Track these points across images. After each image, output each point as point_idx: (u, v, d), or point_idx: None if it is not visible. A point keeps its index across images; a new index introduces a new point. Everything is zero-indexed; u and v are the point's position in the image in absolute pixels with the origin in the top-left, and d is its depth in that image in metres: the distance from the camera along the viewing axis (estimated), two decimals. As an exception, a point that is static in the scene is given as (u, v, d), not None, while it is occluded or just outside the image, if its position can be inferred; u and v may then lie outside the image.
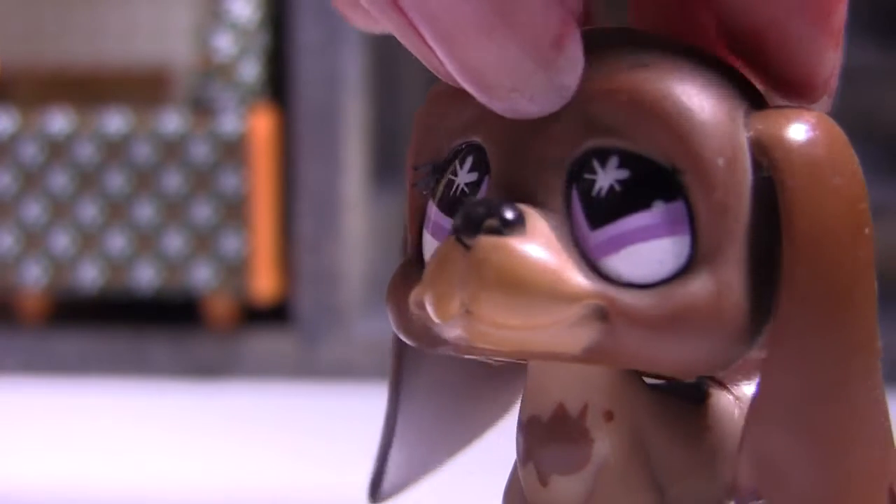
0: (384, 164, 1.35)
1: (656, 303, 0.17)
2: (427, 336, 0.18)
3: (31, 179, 1.22)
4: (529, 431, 0.19)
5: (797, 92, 0.18)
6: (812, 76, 0.17)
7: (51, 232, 1.22)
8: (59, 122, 1.21)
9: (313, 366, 1.19)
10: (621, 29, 0.19)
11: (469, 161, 0.19)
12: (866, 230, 0.17)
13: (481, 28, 0.16)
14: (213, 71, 1.21)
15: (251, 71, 1.21)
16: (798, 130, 0.17)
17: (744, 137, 0.17)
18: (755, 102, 0.17)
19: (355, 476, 0.80)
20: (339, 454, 0.86)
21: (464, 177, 0.19)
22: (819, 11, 0.17)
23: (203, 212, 1.20)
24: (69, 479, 0.80)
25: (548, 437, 0.19)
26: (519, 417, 0.20)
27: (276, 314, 1.24)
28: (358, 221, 1.23)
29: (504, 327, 0.17)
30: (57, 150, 1.21)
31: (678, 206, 0.17)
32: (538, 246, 0.17)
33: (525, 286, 0.17)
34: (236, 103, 1.20)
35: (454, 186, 0.19)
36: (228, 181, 1.19)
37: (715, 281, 0.17)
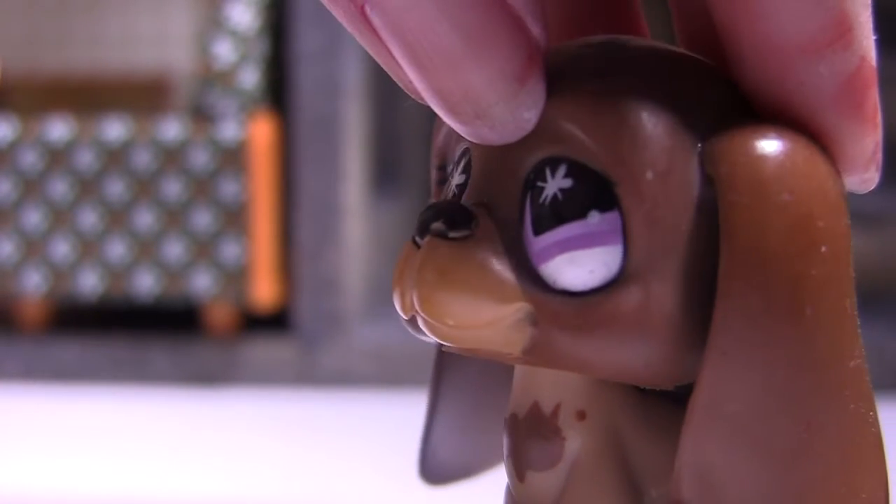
0: (384, 172, 1.35)
1: (582, 311, 0.17)
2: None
3: (31, 187, 1.22)
4: (510, 428, 0.20)
5: (842, 171, 0.18)
6: (854, 158, 0.18)
7: (51, 239, 1.22)
8: (58, 129, 1.21)
9: (313, 373, 1.19)
10: (607, 39, 0.19)
11: (462, 164, 0.19)
12: (822, 248, 0.16)
13: (449, 57, 0.16)
14: (213, 78, 1.21)
15: (251, 78, 1.21)
16: (749, 145, 0.16)
17: (690, 152, 0.17)
18: (726, 118, 0.17)
19: (355, 482, 0.80)
20: (339, 461, 0.86)
21: (456, 179, 0.19)
22: (851, 105, 0.17)
23: (203, 219, 1.20)
24: (69, 486, 0.80)
25: (524, 434, 0.19)
26: (504, 415, 0.20)
27: (275, 321, 1.24)
28: (357, 228, 1.23)
29: (444, 325, 0.17)
30: (57, 157, 1.21)
31: (613, 216, 0.17)
32: (480, 250, 0.17)
33: (460, 287, 0.17)
34: (236, 110, 1.20)
35: (450, 188, 0.19)
36: (228, 188, 1.19)
37: (644, 293, 0.17)
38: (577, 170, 0.17)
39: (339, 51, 1.19)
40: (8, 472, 0.84)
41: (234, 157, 1.19)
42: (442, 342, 0.18)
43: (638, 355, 0.17)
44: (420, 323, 0.18)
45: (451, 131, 0.20)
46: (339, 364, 1.20)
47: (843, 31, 0.16)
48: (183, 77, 1.43)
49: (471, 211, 0.18)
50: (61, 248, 1.22)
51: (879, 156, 0.18)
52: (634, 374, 0.17)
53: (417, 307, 0.18)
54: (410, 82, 0.17)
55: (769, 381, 0.16)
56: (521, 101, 0.17)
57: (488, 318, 0.17)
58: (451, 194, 0.19)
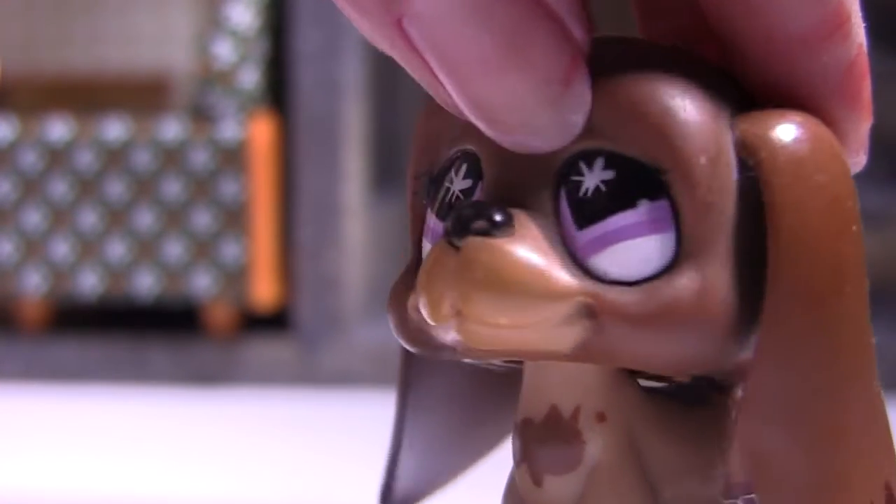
0: (384, 171, 1.35)
1: (642, 299, 0.17)
2: (426, 341, 0.19)
3: (30, 187, 1.22)
4: (523, 433, 0.20)
5: None
6: (850, 143, 0.18)
7: (50, 239, 1.22)
8: (58, 129, 1.21)
9: (313, 373, 1.19)
10: (611, 36, 0.19)
11: (464, 168, 0.19)
12: (853, 227, 0.17)
13: (491, 65, 0.16)
14: (213, 78, 1.21)
15: (251, 78, 1.21)
16: (782, 130, 0.17)
17: (728, 137, 0.17)
18: (742, 105, 0.18)
19: (355, 483, 0.80)
20: (339, 461, 0.86)
21: (458, 184, 0.19)
22: (852, 92, 0.17)
23: (203, 219, 1.20)
24: (69, 485, 0.80)
25: (541, 438, 0.19)
26: (514, 420, 0.20)
27: (275, 321, 1.24)
28: (357, 228, 1.23)
29: (494, 326, 0.17)
30: (57, 157, 1.21)
31: (662, 204, 0.17)
32: (526, 246, 0.17)
33: (513, 285, 0.17)
34: (236, 110, 1.20)
35: (450, 194, 0.19)
36: (228, 188, 1.19)
37: (700, 278, 0.17)
38: (617, 161, 0.17)
39: (339, 51, 1.19)
40: (8, 472, 0.84)
41: (233, 157, 1.19)
42: (479, 347, 0.17)
43: (694, 343, 0.17)
44: (458, 327, 0.17)
45: (439, 136, 0.20)
46: (339, 364, 1.19)
47: (842, 20, 0.16)
48: (183, 77, 1.43)
49: (508, 209, 0.17)
50: (61, 248, 1.22)
51: (868, 139, 0.19)
52: (683, 363, 0.17)
53: (462, 309, 0.17)
54: (449, 96, 0.17)
55: (812, 363, 0.17)
56: (566, 105, 0.17)
57: (543, 315, 0.17)
58: (451, 200, 0.19)
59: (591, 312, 0.17)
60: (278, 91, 1.23)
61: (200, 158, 1.19)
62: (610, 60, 0.18)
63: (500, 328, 0.17)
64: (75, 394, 1.17)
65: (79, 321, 1.29)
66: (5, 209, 1.22)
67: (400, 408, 0.23)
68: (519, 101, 0.16)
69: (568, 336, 0.17)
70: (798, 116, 0.17)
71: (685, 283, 0.17)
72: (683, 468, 0.18)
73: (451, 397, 0.24)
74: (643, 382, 0.19)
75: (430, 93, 0.17)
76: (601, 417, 0.19)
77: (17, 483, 0.81)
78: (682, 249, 0.17)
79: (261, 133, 1.19)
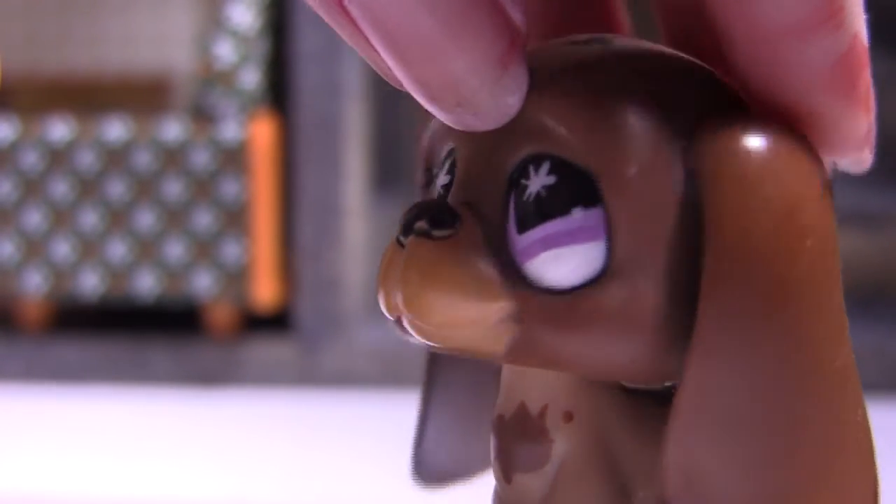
0: (384, 172, 1.35)
1: (566, 308, 0.17)
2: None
3: (31, 187, 1.22)
4: (496, 429, 0.20)
5: (835, 151, 0.18)
6: (847, 139, 0.17)
7: (51, 239, 1.22)
8: (59, 129, 1.21)
9: (314, 373, 1.19)
10: (591, 37, 0.19)
11: (447, 165, 0.19)
12: (808, 243, 0.16)
13: (430, 45, 0.16)
14: (214, 78, 1.21)
15: (251, 78, 1.21)
16: (732, 140, 0.16)
17: (675, 148, 0.17)
18: (711, 115, 0.17)
19: (356, 483, 0.80)
20: (340, 461, 0.86)
21: (441, 179, 0.19)
22: (845, 85, 0.17)
23: (203, 219, 1.20)
24: (69, 486, 0.80)
25: (511, 435, 0.19)
26: (492, 416, 0.20)
27: (276, 322, 1.24)
28: (358, 229, 1.23)
29: (429, 325, 0.17)
30: (57, 157, 1.21)
31: (596, 213, 0.17)
32: (464, 249, 0.17)
33: (444, 287, 0.17)
34: (237, 111, 1.20)
35: (436, 189, 0.19)
36: (229, 189, 1.19)
37: (628, 289, 0.17)
38: (560, 166, 0.17)
39: (340, 51, 1.19)
40: (8, 472, 0.84)
41: (234, 158, 1.19)
42: (427, 342, 0.18)
43: (623, 353, 0.17)
44: (405, 323, 0.18)
45: (436, 132, 0.20)
46: (340, 364, 1.20)
47: (834, 10, 0.16)
48: (183, 77, 1.43)
49: (454, 210, 0.18)
50: (62, 249, 1.22)
51: (873, 136, 0.18)
52: (620, 372, 0.17)
53: (402, 307, 0.17)
54: (390, 70, 0.17)
55: (755, 381, 0.16)
56: (503, 86, 0.17)
57: (472, 317, 0.17)
58: (436, 195, 0.19)
59: (518, 318, 0.17)
60: (279, 91, 1.23)
61: (201, 159, 1.19)
62: (571, 62, 0.18)
63: (434, 327, 0.17)
64: (76, 394, 1.17)
65: (80, 321, 1.29)
66: (6, 209, 1.22)
67: (425, 390, 0.23)
68: (457, 81, 0.16)
69: (500, 338, 0.17)
70: (757, 126, 0.16)
71: (611, 294, 0.17)
72: (658, 469, 0.18)
73: (475, 382, 0.24)
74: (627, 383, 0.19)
75: (375, 68, 0.18)
76: (568, 417, 0.19)
77: (18, 483, 0.81)
78: (612, 259, 0.17)
79: (261, 133, 1.19)
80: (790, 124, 0.17)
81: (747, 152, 0.16)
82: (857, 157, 0.18)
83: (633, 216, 0.17)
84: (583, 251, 0.17)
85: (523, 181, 0.18)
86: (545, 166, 0.17)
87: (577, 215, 0.17)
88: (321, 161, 1.20)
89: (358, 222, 1.23)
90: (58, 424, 1.01)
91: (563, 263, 0.17)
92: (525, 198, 0.17)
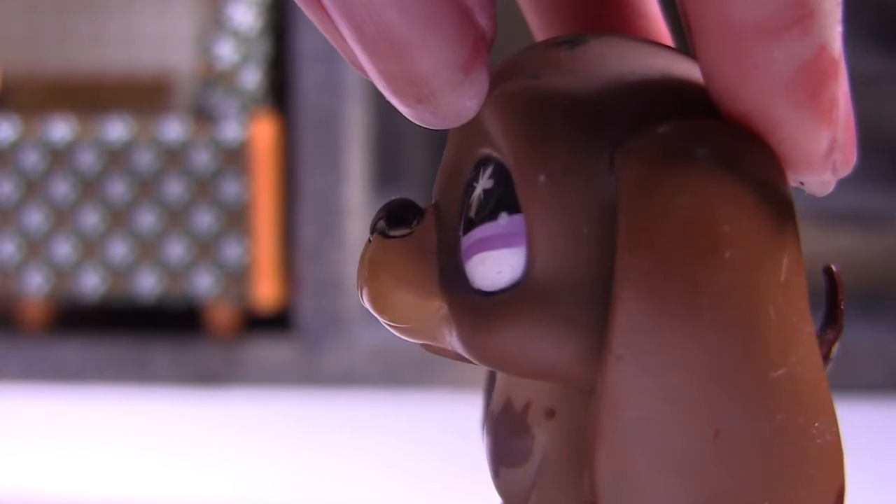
0: (385, 172, 1.35)
1: (489, 311, 0.17)
2: None
3: (32, 187, 1.22)
4: (486, 424, 0.20)
5: (795, 169, 0.17)
6: (807, 155, 0.17)
7: (52, 239, 1.22)
8: (60, 129, 1.21)
9: (315, 373, 1.19)
10: (572, 37, 0.19)
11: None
12: (727, 254, 0.16)
13: (396, 42, 0.16)
14: (215, 78, 1.21)
15: (252, 78, 1.21)
16: (651, 148, 0.16)
17: (597, 155, 0.17)
18: (650, 122, 0.17)
19: (357, 483, 0.80)
20: (341, 461, 0.86)
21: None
22: (804, 94, 0.16)
23: (204, 219, 1.20)
24: (70, 486, 0.80)
25: (497, 431, 0.20)
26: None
27: (277, 322, 1.24)
28: (359, 228, 1.23)
29: (386, 320, 0.18)
30: (58, 157, 1.21)
31: (518, 218, 0.17)
32: (412, 249, 0.18)
33: (388, 284, 0.18)
34: (237, 111, 1.20)
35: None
36: (230, 188, 1.19)
37: (546, 295, 0.17)
38: (499, 171, 0.17)
39: (341, 51, 1.19)
40: (8, 472, 0.84)
41: (235, 158, 1.19)
42: (400, 336, 0.18)
43: (547, 356, 0.17)
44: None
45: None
46: (341, 364, 1.20)
47: (802, 14, 0.16)
48: (184, 77, 1.43)
49: (415, 209, 0.18)
50: (63, 249, 1.22)
51: (838, 156, 0.17)
52: (552, 375, 0.17)
53: (364, 302, 0.18)
54: (357, 59, 0.18)
55: (667, 388, 0.16)
56: (463, 90, 0.17)
57: (415, 315, 0.18)
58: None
59: (449, 317, 0.18)
60: (280, 91, 1.23)
61: (202, 159, 1.19)
62: (528, 65, 0.18)
63: (390, 322, 0.18)
64: (77, 394, 1.17)
65: (80, 321, 1.29)
66: (7, 209, 1.22)
67: (487, 382, 0.24)
68: (419, 78, 0.17)
69: (445, 337, 0.18)
70: (688, 133, 0.16)
71: (529, 299, 0.17)
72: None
73: None
74: None
75: (341, 54, 0.18)
76: (550, 414, 0.19)
77: (18, 483, 0.81)
78: (531, 265, 0.17)
79: (262, 133, 1.19)
80: (754, 134, 0.17)
81: (662, 160, 0.16)
82: (820, 178, 0.17)
83: (546, 222, 0.17)
84: (506, 256, 0.17)
85: (474, 183, 0.18)
86: (489, 170, 0.18)
87: (503, 220, 0.17)
88: (322, 161, 1.20)
89: (359, 222, 1.23)
90: (58, 424, 1.01)
91: (489, 267, 0.17)
92: (471, 200, 0.18)
